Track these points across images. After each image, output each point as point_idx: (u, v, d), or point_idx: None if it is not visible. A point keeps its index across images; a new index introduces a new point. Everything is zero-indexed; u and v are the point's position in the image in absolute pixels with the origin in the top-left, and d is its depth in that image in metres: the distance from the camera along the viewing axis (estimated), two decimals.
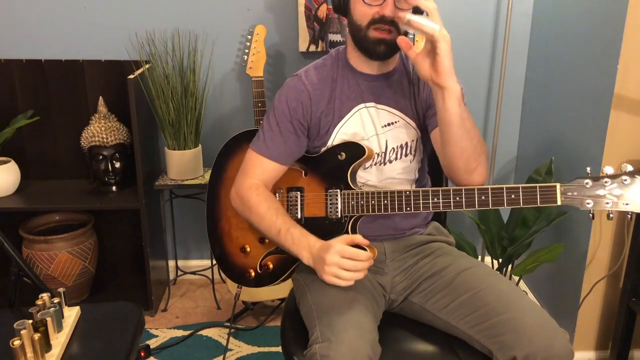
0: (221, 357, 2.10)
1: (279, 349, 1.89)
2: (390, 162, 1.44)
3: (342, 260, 1.26)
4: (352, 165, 1.38)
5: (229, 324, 2.27)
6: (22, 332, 1.11)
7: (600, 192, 1.18)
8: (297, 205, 1.44)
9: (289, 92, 1.43)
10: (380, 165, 1.44)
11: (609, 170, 1.19)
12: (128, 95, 2.09)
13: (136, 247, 2.46)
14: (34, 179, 2.44)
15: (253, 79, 2.13)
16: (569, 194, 1.20)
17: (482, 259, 2.49)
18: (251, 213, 1.41)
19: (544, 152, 2.26)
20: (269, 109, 1.46)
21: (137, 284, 2.50)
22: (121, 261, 2.63)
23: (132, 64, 2.25)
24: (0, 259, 1.55)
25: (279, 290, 2.26)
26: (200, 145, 2.33)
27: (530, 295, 2.42)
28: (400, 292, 1.44)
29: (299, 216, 1.43)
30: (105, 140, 2.26)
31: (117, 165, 2.29)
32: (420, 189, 1.30)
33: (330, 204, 1.40)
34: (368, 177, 1.45)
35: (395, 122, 1.43)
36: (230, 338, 2.19)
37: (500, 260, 2.13)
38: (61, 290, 1.30)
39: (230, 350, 2.14)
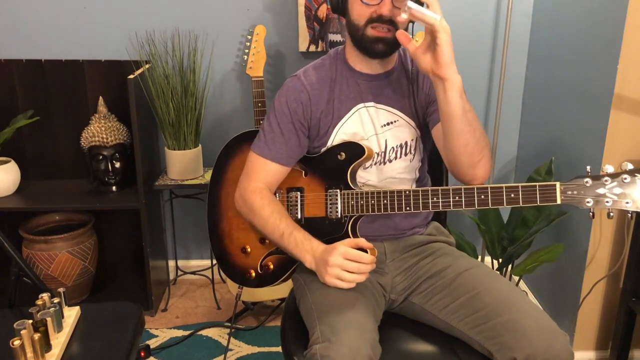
0: (221, 357, 2.10)
1: (279, 349, 1.89)
2: (390, 161, 1.44)
3: (345, 262, 1.26)
4: (352, 165, 1.38)
5: (229, 324, 2.27)
6: (22, 332, 1.11)
7: (601, 190, 1.17)
8: (297, 205, 1.44)
9: (288, 93, 1.42)
10: (380, 164, 1.44)
11: (609, 168, 1.18)
12: (128, 95, 2.09)
13: (136, 247, 2.45)
14: (34, 179, 2.44)
15: (253, 79, 2.13)
16: (569, 192, 1.19)
17: (482, 259, 2.49)
18: (255, 216, 1.41)
19: (544, 152, 2.26)
20: (269, 110, 1.46)
21: (137, 284, 2.50)
22: (121, 261, 2.63)
23: (132, 64, 2.25)
24: (0, 259, 1.56)
25: (279, 290, 2.26)
26: (200, 145, 2.33)
27: (530, 296, 2.41)
28: (401, 293, 1.44)
29: (299, 216, 1.43)
30: (105, 140, 2.26)
31: (117, 165, 2.29)
32: (420, 189, 1.30)
33: (330, 204, 1.40)
34: (368, 176, 1.45)
35: (395, 122, 1.43)
36: (231, 338, 2.19)
37: (500, 260, 2.13)
38: (61, 290, 1.30)
39: (231, 350, 2.14)
